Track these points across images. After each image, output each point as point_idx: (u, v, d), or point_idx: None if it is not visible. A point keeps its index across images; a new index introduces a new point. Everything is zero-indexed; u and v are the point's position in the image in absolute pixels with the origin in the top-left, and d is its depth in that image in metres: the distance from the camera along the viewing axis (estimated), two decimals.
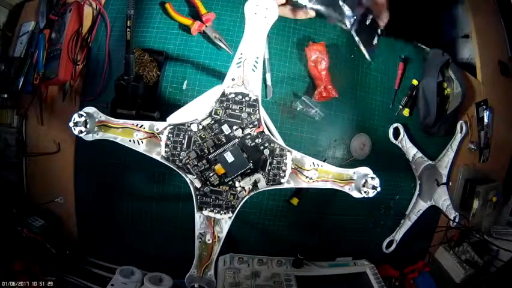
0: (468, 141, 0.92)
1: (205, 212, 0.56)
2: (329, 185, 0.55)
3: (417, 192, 0.89)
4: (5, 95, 0.77)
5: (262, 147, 0.55)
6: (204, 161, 0.55)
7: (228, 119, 0.54)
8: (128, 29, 0.63)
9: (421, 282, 0.90)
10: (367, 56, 0.79)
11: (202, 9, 0.74)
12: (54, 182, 0.80)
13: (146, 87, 0.72)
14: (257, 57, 0.52)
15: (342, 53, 0.80)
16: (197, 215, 0.56)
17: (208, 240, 0.57)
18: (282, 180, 0.55)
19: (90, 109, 0.51)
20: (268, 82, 0.76)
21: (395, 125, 0.84)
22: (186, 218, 0.77)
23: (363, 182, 0.53)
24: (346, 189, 0.55)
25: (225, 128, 0.54)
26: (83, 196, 0.80)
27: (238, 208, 0.56)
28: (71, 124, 0.49)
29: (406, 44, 0.87)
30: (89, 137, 0.52)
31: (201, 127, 0.54)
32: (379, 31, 0.78)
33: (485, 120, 0.92)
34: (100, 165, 0.78)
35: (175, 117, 0.60)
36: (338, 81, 0.80)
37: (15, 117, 0.78)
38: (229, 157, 0.54)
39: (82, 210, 0.80)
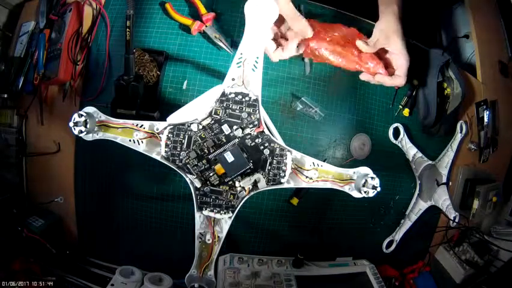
0: (468, 141, 0.92)
1: (205, 212, 0.56)
2: (329, 185, 0.55)
3: (417, 192, 0.88)
4: (5, 95, 0.77)
5: (262, 147, 0.55)
6: (204, 161, 0.55)
7: (228, 119, 0.54)
8: (127, 29, 0.63)
9: (421, 282, 0.89)
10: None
11: (202, 9, 0.74)
12: (54, 182, 0.80)
13: (146, 87, 0.72)
14: (257, 57, 0.52)
15: None
16: (197, 214, 0.56)
17: (208, 240, 0.57)
18: (282, 180, 0.56)
19: (90, 109, 0.52)
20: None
21: (395, 125, 0.84)
22: (186, 218, 0.77)
23: (363, 182, 0.53)
24: (346, 189, 0.55)
25: (225, 128, 0.54)
26: (83, 196, 0.80)
27: (238, 208, 0.57)
28: (71, 124, 0.49)
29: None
30: (89, 137, 0.52)
31: (201, 127, 0.54)
32: None
33: (485, 120, 0.92)
34: (100, 165, 0.78)
35: (175, 117, 0.60)
36: (338, 81, 0.80)
37: (15, 117, 0.78)
38: (229, 157, 0.54)
39: (82, 210, 0.80)
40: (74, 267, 0.78)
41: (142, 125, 0.53)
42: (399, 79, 0.70)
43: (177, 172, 0.55)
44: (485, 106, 0.92)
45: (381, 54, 0.71)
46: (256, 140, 0.55)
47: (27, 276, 0.67)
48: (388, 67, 0.72)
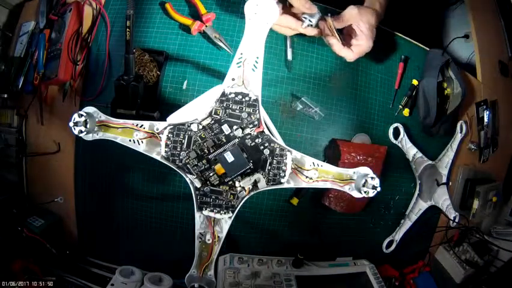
0: (468, 141, 0.92)
1: (205, 212, 0.56)
2: (329, 185, 0.55)
3: (417, 192, 0.88)
4: (5, 95, 0.77)
5: (262, 147, 0.55)
6: (204, 161, 0.55)
7: (228, 119, 0.54)
8: (127, 29, 0.63)
9: (421, 282, 0.90)
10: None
11: (202, 9, 0.74)
12: (55, 182, 0.80)
13: (146, 87, 0.72)
14: (257, 57, 0.52)
15: None
16: (197, 214, 0.56)
17: (208, 240, 0.57)
18: (282, 180, 0.56)
19: (90, 109, 0.52)
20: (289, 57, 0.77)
21: (395, 125, 0.84)
22: (186, 218, 0.77)
23: (363, 182, 0.53)
24: (346, 189, 0.55)
25: (225, 128, 0.54)
26: (83, 196, 0.80)
27: (238, 208, 0.57)
28: (71, 124, 0.49)
29: (406, 43, 0.87)
30: (89, 137, 0.52)
31: (201, 127, 0.54)
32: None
33: (485, 120, 0.92)
34: (100, 165, 0.78)
35: (175, 117, 0.60)
36: (338, 81, 0.80)
37: (15, 117, 0.78)
38: (229, 157, 0.54)
39: (82, 210, 0.81)
40: (74, 267, 0.78)
41: (142, 125, 0.53)
42: (349, 52, 0.68)
43: (177, 172, 0.55)
44: (485, 106, 0.92)
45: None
46: (256, 140, 0.55)
47: (27, 276, 0.67)
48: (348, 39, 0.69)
